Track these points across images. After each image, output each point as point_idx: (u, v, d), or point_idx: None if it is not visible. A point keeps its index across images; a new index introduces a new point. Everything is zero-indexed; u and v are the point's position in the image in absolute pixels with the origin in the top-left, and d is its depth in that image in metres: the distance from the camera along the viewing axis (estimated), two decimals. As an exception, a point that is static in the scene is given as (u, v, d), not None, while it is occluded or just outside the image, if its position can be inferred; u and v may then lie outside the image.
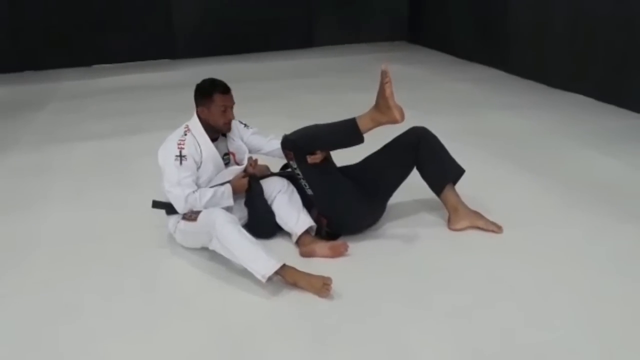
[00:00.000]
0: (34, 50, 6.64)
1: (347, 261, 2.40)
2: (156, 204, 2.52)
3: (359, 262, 2.39)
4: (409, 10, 7.70)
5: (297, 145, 2.40)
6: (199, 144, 2.41)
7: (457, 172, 2.60)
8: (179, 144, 2.38)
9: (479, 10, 6.18)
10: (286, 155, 2.46)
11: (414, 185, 2.72)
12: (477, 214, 2.56)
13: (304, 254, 2.42)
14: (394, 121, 2.28)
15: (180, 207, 2.37)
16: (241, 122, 2.67)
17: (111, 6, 6.75)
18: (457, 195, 2.57)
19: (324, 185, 2.45)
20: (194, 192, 2.37)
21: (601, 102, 4.54)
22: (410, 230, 2.62)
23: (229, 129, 2.52)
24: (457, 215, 2.55)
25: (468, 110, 4.58)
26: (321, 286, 2.12)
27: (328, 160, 2.47)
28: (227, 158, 2.56)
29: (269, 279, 2.14)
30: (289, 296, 2.16)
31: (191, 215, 2.37)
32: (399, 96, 5.37)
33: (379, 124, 2.32)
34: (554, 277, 2.23)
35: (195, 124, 2.46)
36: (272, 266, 2.14)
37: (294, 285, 2.17)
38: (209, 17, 7.08)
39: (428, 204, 2.83)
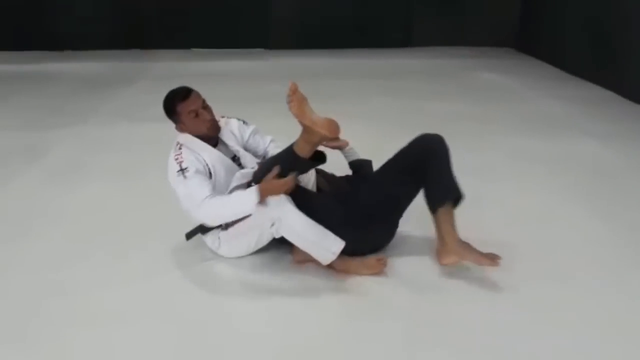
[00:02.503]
0: (140, 29, 7.02)
1: (328, 298, 2.15)
2: (189, 234, 2.36)
3: (332, 303, 2.12)
4: (520, 16, 7.07)
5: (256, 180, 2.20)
6: (198, 153, 2.24)
7: (456, 194, 2.25)
8: (176, 159, 2.22)
9: (598, 23, 5.47)
10: None
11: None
12: (467, 247, 2.17)
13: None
14: (324, 138, 2.09)
15: (205, 218, 2.19)
16: (239, 119, 2.49)
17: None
18: (450, 222, 2.21)
19: None
20: (207, 197, 2.13)
21: None
22: (406, 269, 2.30)
23: (215, 129, 2.32)
24: (444, 248, 2.20)
25: (555, 132, 4.06)
26: (375, 262, 2.21)
27: (301, 187, 2.25)
28: (238, 160, 2.38)
29: (331, 264, 2.19)
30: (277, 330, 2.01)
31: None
32: (482, 107, 4.85)
33: (314, 144, 2.11)
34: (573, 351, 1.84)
35: (185, 137, 2.29)
36: (340, 243, 2.15)
37: (346, 272, 2.22)
38: (307, 9, 7.03)
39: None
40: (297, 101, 2.06)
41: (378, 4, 7.08)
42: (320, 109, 4.03)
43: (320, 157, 2.21)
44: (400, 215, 2.41)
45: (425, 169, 2.25)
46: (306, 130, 2.09)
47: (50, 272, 2.31)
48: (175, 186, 2.21)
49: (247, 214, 2.13)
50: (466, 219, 2.30)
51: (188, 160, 2.20)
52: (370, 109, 4.59)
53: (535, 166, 3.43)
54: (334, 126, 2.10)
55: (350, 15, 7.05)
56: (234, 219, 2.17)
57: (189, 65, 6.30)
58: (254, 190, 2.09)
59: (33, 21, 6.81)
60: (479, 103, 4.85)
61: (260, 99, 4.90)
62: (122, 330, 1.95)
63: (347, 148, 2.63)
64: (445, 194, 2.23)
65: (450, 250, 2.18)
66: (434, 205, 2.24)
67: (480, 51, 7.04)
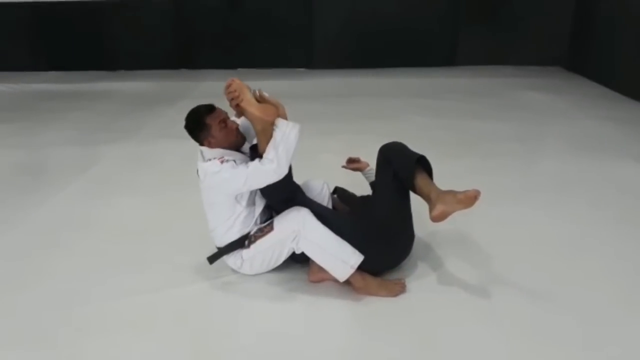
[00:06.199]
0: (190, 50, 7.28)
1: (341, 316, 2.15)
2: (212, 258, 2.38)
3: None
4: (570, 33, 6.85)
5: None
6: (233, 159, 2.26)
7: (417, 156, 2.28)
8: (220, 160, 2.22)
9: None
10: None
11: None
12: (448, 193, 2.12)
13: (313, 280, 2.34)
14: (262, 120, 2.20)
15: (279, 169, 2.17)
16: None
17: (259, 14, 7.11)
18: (427, 181, 2.23)
19: None
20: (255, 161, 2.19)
21: None
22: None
23: (242, 137, 2.39)
24: (430, 204, 2.15)
25: (599, 155, 3.88)
26: (394, 285, 2.22)
27: (319, 205, 2.34)
28: None
29: (347, 280, 2.19)
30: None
31: (263, 230, 2.29)
32: (524, 127, 4.71)
33: (261, 133, 2.22)
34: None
35: (214, 152, 2.32)
36: (358, 256, 2.18)
37: (364, 290, 2.20)
38: (350, 29, 7.08)
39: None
40: (240, 91, 2.22)
41: (422, 22, 7.05)
42: (353, 128, 4.06)
43: None
44: (411, 220, 2.40)
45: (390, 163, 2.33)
46: (247, 117, 2.24)
47: (75, 281, 2.41)
48: (223, 172, 2.19)
49: (296, 134, 2.25)
50: (495, 242, 2.25)
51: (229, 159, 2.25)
52: (404, 128, 4.54)
53: (574, 191, 3.29)
54: (269, 110, 2.22)
55: (394, 34, 7.05)
56: (294, 143, 2.23)
57: (232, 85, 6.45)
58: (281, 121, 2.24)
59: (89, 43, 7.22)
60: (521, 123, 4.72)
61: (297, 119, 4.94)
62: (136, 339, 2.01)
63: (368, 169, 2.65)
64: (409, 164, 2.25)
65: (434, 202, 2.12)
66: (407, 179, 2.24)
67: (528, 70, 6.86)
